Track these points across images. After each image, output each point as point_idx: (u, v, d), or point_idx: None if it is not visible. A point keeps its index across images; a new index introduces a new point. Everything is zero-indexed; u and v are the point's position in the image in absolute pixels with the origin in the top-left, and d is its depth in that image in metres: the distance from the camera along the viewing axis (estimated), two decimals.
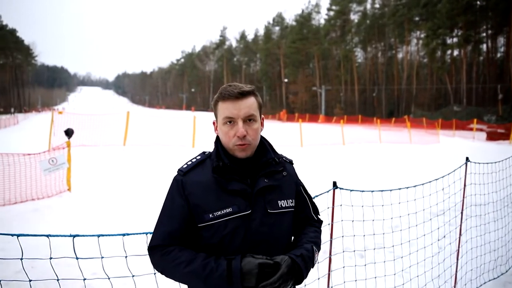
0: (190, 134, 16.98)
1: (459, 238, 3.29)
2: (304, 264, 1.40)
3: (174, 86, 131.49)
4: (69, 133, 8.09)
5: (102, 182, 8.83)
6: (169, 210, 1.47)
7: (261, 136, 1.60)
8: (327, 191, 2.28)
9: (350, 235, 2.64)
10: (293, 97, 73.55)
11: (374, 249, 2.73)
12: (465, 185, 3.35)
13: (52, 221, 6.22)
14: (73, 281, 1.95)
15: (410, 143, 20.73)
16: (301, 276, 1.39)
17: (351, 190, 2.25)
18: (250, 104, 1.46)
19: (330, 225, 2.27)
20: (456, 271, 3.24)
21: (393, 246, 3.00)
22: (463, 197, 3.35)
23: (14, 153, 8.10)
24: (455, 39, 52.68)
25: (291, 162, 1.71)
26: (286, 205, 1.53)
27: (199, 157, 1.56)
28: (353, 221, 2.42)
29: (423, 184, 3.16)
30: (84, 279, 1.76)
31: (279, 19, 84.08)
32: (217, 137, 1.54)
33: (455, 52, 54.72)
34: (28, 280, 1.71)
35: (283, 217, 1.51)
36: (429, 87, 56.86)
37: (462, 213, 3.29)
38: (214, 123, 1.55)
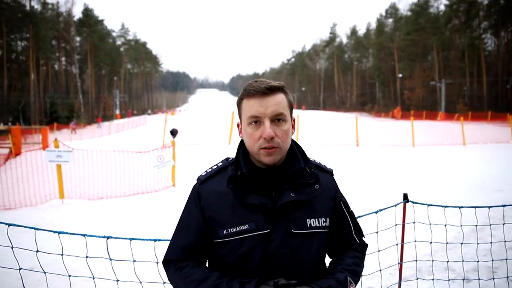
0: (295, 133, 16.93)
1: None
2: None
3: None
4: (173, 133, 8.79)
5: None
6: (185, 222, 1.35)
7: (293, 141, 1.37)
8: (395, 205, 1.87)
9: (427, 259, 2.15)
10: (409, 93, 68.19)
11: (463, 279, 2.16)
12: None
13: (155, 214, 6.76)
14: (104, 280, 1.95)
15: None
16: None
17: (428, 205, 1.80)
18: (279, 101, 1.24)
19: (400, 245, 1.87)
20: None
21: (492, 279, 2.31)
22: None
23: (128, 150, 9.11)
24: None
25: (330, 173, 1.42)
26: (317, 225, 1.28)
27: (220, 163, 1.40)
28: (431, 242, 1.94)
29: None
30: (117, 280, 1.74)
31: (392, 11, 78.80)
32: (241, 142, 1.35)
33: None
34: (68, 275, 1.76)
35: (312, 238, 1.27)
36: None
37: None
38: (238, 125, 1.36)
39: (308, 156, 1.45)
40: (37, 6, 58.68)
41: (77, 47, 65.59)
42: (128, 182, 8.72)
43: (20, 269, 1.86)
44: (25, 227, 1.84)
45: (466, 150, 15.13)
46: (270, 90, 1.23)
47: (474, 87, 60.20)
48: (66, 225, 6.25)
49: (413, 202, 1.88)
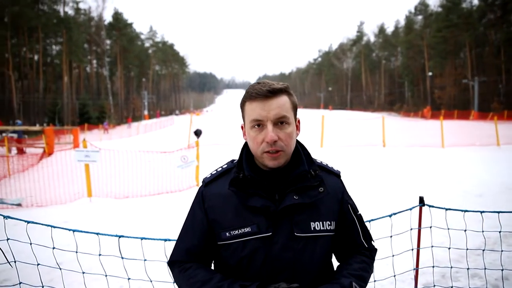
0: (319, 133, 16.77)
1: None
2: None
3: (312, 85, 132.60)
4: (197, 133, 8.90)
5: None
6: (190, 225, 1.35)
7: (298, 143, 1.35)
8: (410, 209, 1.80)
9: (445, 265, 2.04)
10: (439, 91, 66.03)
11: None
12: None
13: (178, 213, 6.85)
14: (114, 278, 1.98)
15: None
16: None
17: (446, 209, 1.72)
18: (281, 104, 1.22)
19: (416, 251, 1.79)
20: None
21: None
22: None
23: (153, 150, 9.30)
24: None
25: (337, 175, 1.39)
26: (322, 228, 1.25)
27: (225, 165, 1.40)
28: (449, 248, 1.84)
29: None
30: (129, 279, 1.77)
31: (422, 7, 76.63)
32: (245, 144, 1.34)
33: None
34: (82, 272, 1.80)
35: (317, 242, 1.25)
36: None
37: None
38: (242, 127, 1.34)
39: (316, 158, 1.43)
40: (71, 12, 60.92)
41: (107, 50, 67.57)
42: (153, 182, 8.89)
43: (38, 264, 1.93)
44: (43, 224, 1.90)
45: (500, 151, 14.48)
46: (272, 93, 1.21)
47: (511, 85, 57.56)
48: (92, 222, 6.43)
49: (430, 206, 1.80)
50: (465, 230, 1.78)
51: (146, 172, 9.27)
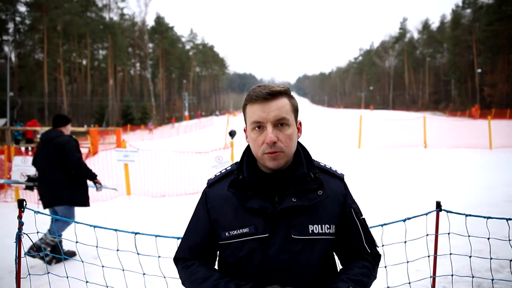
0: (357, 134, 16.42)
1: None
2: None
3: (352, 85, 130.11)
4: (232, 134, 9.00)
5: None
6: (194, 224, 1.41)
7: (300, 145, 1.37)
8: (426, 214, 1.71)
9: (465, 274, 1.91)
10: (490, 89, 62.28)
11: None
12: None
13: None
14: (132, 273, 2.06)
15: None
16: None
17: (466, 215, 1.61)
18: (281, 106, 1.25)
19: (433, 258, 1.70)
20: None
21: None
22: None
23: (189, 151, 9.53)
24: None
25: (340, 178, 1.39)
26: (320, 231, 1.26)
27: (229, 167, 1.45)
28: (470, 256, 1.73)
29: None
30: (144, 274, 1.85)
31: (470, 0, 72.76)
32: (247, 146, 1.37)
33: None
34: (101, 266, 1.89)
35: (315, 245, 1.25)
36: None
37: None
38: (244, 130, 1.37)
39: (319, 160, 1.43)
40: (116, 18, 63.79)
41: (149, 53, 70.04)
42: (189, 181, 9.10)
43: (63, 257, 2.06)
44: (69, 220, 2.02)
45: None
46: (272, 95, 1.24)
47: None
48: (129, 220, 6.71)
49: (447, 211, 1.71)
50: (488, 238, 1.67)
51: (182, 172, 9.51)
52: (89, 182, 4.81)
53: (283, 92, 1.27)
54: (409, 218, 1.68)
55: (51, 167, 4.47)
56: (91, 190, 4.97)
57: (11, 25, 49.28)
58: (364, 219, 1.36)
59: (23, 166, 7.93)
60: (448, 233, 1.68)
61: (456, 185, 8.19)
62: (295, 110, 1.32)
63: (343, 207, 1.32)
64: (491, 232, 1.69)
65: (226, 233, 1.28)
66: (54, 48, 48.87)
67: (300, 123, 1.36)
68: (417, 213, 1.83)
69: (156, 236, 1.86)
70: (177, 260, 1.39)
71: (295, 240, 1.22)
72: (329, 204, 1.29)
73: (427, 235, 1.75)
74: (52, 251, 3.95)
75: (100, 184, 4.82)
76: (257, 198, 1.25)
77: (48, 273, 2.06)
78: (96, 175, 4.72)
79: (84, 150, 16.63)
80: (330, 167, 1.41)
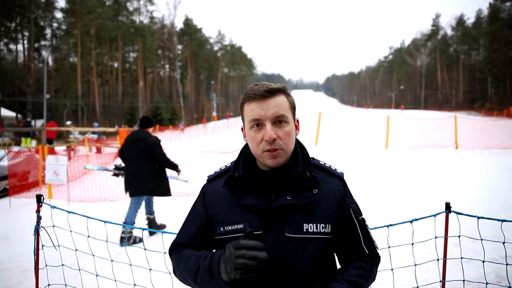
0: (384, 134, 16.05)
1: None
2: None
3: (382, 84, 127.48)
4: None
5: None
6: (191, 217, 1.42)
7: (298, 143, 1.37)
8: (434, 215, 1.64)
9: (479, 280, 1.81)
10: None
11: None
12: None
13: None
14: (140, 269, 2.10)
15: None
16: None
17: (478, 217, 1.53)
18: (279, 103, 1.25)
19: (442, 261, 1.62)
20: None
21: None
22: None
23: (213, 151, 9.62)
24: None
25: (339, 177, 1.36)
26: (315, 230, 1.24)
27: (229, 164, 1.46)
28: (483, 261, 1.63)
29: None
30: (150, 269, 1.88)
31: None
32: (245, 145, 1.37)
33: None
34: (111, 260, 1.95)
35: (309, 244, 1.23)
36: None
37: None
38: (242, 129, 1.37)
39: (319, 159, 1.41)
40: (146, 21, 65.41)
41: (178, 55, 71.26)
42: None
43: (76, 250, 2.14)
44: (80, 215, 2.08)
45: None
46: (270, 93, 1.24)
47: None
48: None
49: (457, 213, 1.62)
50: (503, 243, 1.58)
51: (206, 172, 9.60)
52: (169, 174, 5.74)
53: (281, 90, 1.27)
54: (416, 220, 1.62)
55: (140, 162, 5.28)
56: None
57: (48, 31, 51.64)
58: (363, 219, 1.33)
59: (55, 165, 8.26)
60: (459, 236, 1.60)
61: (482, 187, 7.86)
62: (293, 108, 1.31)
63: (341, 206, 1.30)
64: (507, 238, 1.60)
65: (221, 228, 1.29)
66: (87, 51, 50.74)
67: (298, 121, 1.35)
68: (423, 215, 1.76)
69: (163, 232, 1.89)
70: (171, 251, 1.41)
71: (288, 238, 1.21)
72: (325, 203, 1.27)
73: (435, 237, 1.68)
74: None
75: (180, 171, 5.83)
76: (252, 195, 1.25)
77: (63, 265, 2.14)
78: (177, 165, 5.67)
79: (113, 150, 17.16)
80: (330, 166, 1.39)
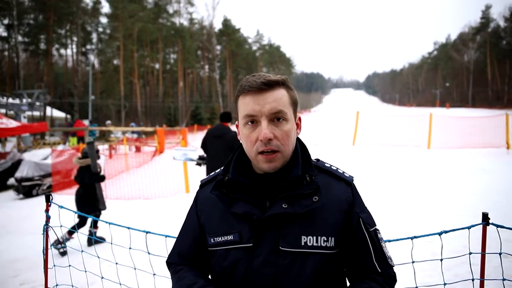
0: (427, 134, 15.29)
1: None
2: None
3: (426, 81, 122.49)
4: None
5: None
6: (185, 227, 1.29)
7: (299, 143, 1.17)
8: (468, 227, 1.37)
9: None
10: None
11: None
12: None
13: None
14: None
15: None
16: None
17: None
18: (278, 97, 1.08)
19: (479, 282, 1.36)
20: None
21: None
22: None
23: None
24: None
25: (347, 182, 1.15)
26: (315, 244, 1.06)
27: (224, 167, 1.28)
28: None
29: None
30: (154, 274, 1.80)
31: None
32: (240, 145, 1.20)
33: None
34: (115, 262, 1.87)
35: (307, 259, 1.05)
36: None
37: None
38: (237, 125, 1.20)
39: (324, 161, 1.23)
40: (185, 23, 66.88)
41: (217, 55, 72.19)
42: None
43: (82, 251, 2.08)
44: (84, 215, 2.04)
45: None
46: (268, 85, 1.07)
47: None
48: (182, 217, 6.84)
49: (497, 226, 1.36)
50: None
51: None
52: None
53: (281, 82, 1.10)
54: (446, 232, 1.38)
55: (220, 155, 5.48)
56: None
57: (94, 36, 54.15)
58: (375, 230, 1.12)
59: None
60: (500, 253, 1.34)
61: None
62: (294, 104, 1.14)
63: (348, 216, 1.10)
64: None
65: (212, 239, 1.14)
66: (129, 54, 52.60)
67: (299, 119, 1.17)
68: (459, 226, 1.51)
69: (166, 236, 1.78)
70: (168, 264, 1.28)
71: (283, 252, 1.04)
72: (328, 212, 1.08)
73: (470, 253, 1.42)
74: None
75: None
76: (244, 202, 1.09)
77: (70, 265, 2.09)
78: None
79: (152, 149, 17.59)
80: (337, 169, 1.19)
